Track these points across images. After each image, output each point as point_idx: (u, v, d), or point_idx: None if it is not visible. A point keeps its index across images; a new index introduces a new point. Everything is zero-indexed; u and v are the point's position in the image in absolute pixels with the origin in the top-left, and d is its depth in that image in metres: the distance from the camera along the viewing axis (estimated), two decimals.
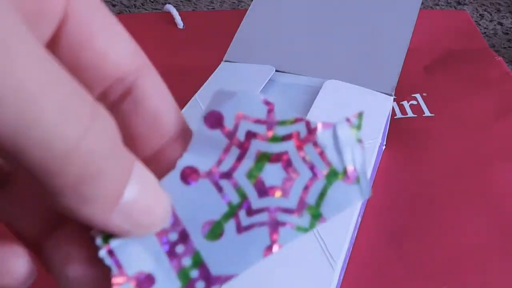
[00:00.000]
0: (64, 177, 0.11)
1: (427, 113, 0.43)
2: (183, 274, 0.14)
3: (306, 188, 0.14)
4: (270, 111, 0.14)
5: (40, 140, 0.10)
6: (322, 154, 0.14)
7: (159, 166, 0.14)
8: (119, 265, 0.13)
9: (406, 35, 0.37)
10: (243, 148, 0.14)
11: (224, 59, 0.39)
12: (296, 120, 0.14)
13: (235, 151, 0.14)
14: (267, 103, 0.14)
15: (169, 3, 0.61)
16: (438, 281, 0.31)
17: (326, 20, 0.40)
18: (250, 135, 0.14)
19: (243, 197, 0.14)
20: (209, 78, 0.37)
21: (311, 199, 0.14)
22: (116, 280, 0.13)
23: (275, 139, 0.14)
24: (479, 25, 0.60)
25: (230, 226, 0.14)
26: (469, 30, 0.54)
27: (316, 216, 0.14)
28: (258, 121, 0.14)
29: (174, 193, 0.14)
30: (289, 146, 0.14)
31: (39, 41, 0.10)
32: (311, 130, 0.14)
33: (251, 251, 0.14)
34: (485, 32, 0.58)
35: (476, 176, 0.37)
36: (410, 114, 0.43)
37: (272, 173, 0.14)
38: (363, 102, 0.34)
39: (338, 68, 0.37)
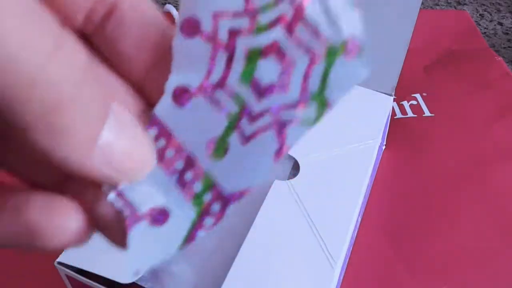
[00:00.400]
0: (30, 105, 0.10)
1: (427, 113, 0.43)
2: (196, 200, 0.13)
3: (305, 75, 0.12)
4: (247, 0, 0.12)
5: (2, 64, 0.10)
6: (316, 32, 0.12)
7: (151, 89, 0.14)
8: (130, 206, 0.13)
9: (406, 35, 0.37)
10: (230, 50, 0.12)
11: None
12: (278, 1, 0.12)
13: (222, 56, 0.12)
14: None
15: (169, 3, 0.61)
16: (438, 281, 0.31)
17: None
18: (233, 33, 0.12)
19: (241, 104, 0.12)
20: None
21: (313, 86, 0.12)
22: (130, 221, 0.13)
23: (260, 29, 0.12)
24: (479, 25, 0.60)
25: (233, 139, 0.13)
26: (469, 30, 0.54)
27: (322, 103, 0.12)
28: (237, 15, 0.12)
29: (171, 118, 0.13)
30: (278, 34, 0.12)
31: None
32: (298, 8, 0.12)
33: (260, 160, 0.13)
34: (485, 32, 0.58)
35: (476, 176, 0.37)
36: (410, 114, 0.43)
37: (266, 69, 0.12)
38: (363, 102, 0.34)
39: None
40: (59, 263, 0.24)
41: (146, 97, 0.14)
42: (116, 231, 0.13)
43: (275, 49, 0.12)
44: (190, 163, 0.13)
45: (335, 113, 0.37)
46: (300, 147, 0.31)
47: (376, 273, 0.31)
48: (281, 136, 0.12)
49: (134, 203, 0.13)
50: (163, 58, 0.13)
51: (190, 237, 0.13)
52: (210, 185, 0.13)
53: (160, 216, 0.13)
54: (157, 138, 0.13)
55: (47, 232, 0.12)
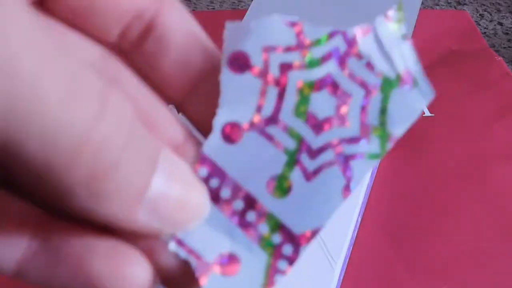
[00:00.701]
0: (75, 174, 0.09)
1: (427, 113, 0.43)
2: (265, 243, 0.12)
3: (363, 108, 0.12)
4: (299, 33, 0.12)
5: (40, 132, 0.08)
6: (369, 64, 0.12)
7: (193, 110, 0.13)
8: (195, 254, 0.12)
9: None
10: (281, 85, 0.12)
11: None
12: (331, 35, 0.12)
13: (273, 91, 0.12)
14: (292, 24, 0.12)
15: None
16: (438, 281, 0.31)
17: (326, 20, 0.40)
18: (285, 67, 0.12)
19: (299, 139, 0.12)
20: None
21: (373, 119, 0.12)
22: (199, 271, 0.12)
23: (313, 63, 0.12)
24: (479, 25, 0.60)
25: (296, 175, 0.12)
26: (469, 30, 0.54)
27: (385, 137, 0.12)
28: (288, 49, 0.12)
29: (222, 156, 0.12)
30: (330, 67, 0.12)
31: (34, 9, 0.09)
32: (350, 42, 0.12)
33: (329, 196, 0.12)
34: (485, 32, 0.58)
35: (476, 176, 0.37)
36: None
37: (321, 103, 0.12)
38: None
39: None
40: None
41: (186, 114, 0.13)
42: (185, 284, 0.12)
43: (329, 82, 0.12)
44: (250, 202, 0.12)
45: None
46: None
47: (376, 273, 0.31)
48: (347, 170, 0.12)
49: (198, 250, 0.12)
50: (205, 80, 0.13)
51: (268, 283, 0.12)
52: (278, 225, 0.12)
53: (231, 263, 0.12)
54: (209, 178, 0.12)
55: (112, 285, 0.11)
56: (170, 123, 0.13)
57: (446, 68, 0.49)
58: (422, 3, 0.41)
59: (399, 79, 0.12)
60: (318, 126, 0.12)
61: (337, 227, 0.26)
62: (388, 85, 0.12)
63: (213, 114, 0.12)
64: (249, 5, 0.42)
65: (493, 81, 0.46)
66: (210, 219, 0.12)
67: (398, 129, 0.12)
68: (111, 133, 0.09)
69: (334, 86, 0.12)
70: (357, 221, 0.30)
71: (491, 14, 0.62)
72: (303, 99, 0.12)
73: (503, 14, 0.61)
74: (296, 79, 0.12)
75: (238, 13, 0.45)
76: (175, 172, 0.11)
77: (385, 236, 0.33)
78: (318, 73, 0.12)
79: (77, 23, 0.11)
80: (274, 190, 0.12)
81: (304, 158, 0.12)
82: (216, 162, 0.12)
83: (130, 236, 0.12)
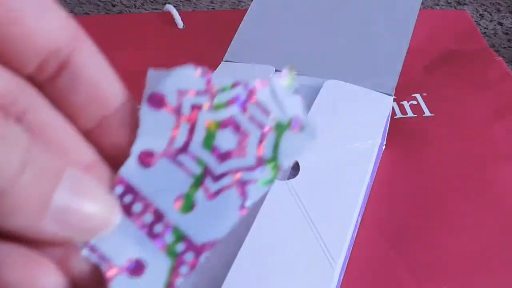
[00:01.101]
0: None
1: (427, 113, 0.43)
2: (170, 251, 0.14)
3: (260, 144, 0.14)
4: (208, 81, 0.15)
5: None
6: (265, 111, 0.15)
7: (104, 138, 0.15)
8: (105, 259, 0.14)
9: (406, 35, 0.37)
10: (192, 122, 0.14)
11: (224, 59, 0.39)
12: (234, 85, 0.15)
13: (185, 126, 0.14)
14: (204, 73, 0.15)
15: (169, 3, 0.61)
16: (438, 281, 0.31)
17: (326, 20, 0.40)
18: (195, 107, 0.14)
19: (204, 166, 0.14)
20: None
21: (267, 153, 0.14)
22: (108, 273, 0.13)
23: (219, 106, 0.14)
24: (479, 25, 0.60)
25: (200, 195, 0.14)
26: (469, 30, 0.54)
27: (276, 167, 0.14)
28: (199, 93, 0.14)
29: (136, 178, 0.14)
30: (234, 110, 0.14)
31: None
32: (250, 91, 0.15)
33: (227, 213, 0.14)
34: (485, 32, 0.58)
35: (476, 176, 0.37)
36: (410, 114, 0.43)
37: (225, 139, 0.14)
38: (363, 102, 0.34)
39: (338, 68, 0.37)
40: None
41: (96, 146, 0.15)
42: (94, 285, 0.13)
43: (232, 123, 0.14)
44: (159, 216, 0.14)
45: (335, 113, 0.38)
46: None
47: (376, 273, 0.31)
48: (243, 192, 0.14)
49: (109, 256, 0.14)
50: (113, 113, 0.14)
51: (169, 285, 0.14)
52: (182, 236, 0.14)
53: (137, 268, 0.14)
54: (123, 195, 0.14)
55: None
56: (80, 148, 0.14)
57: (446, 68, 0.49)
58: (422, 3, 0.41)
59: (289, 123, 0.15)
60: (221, 156, 0.14)
61: (337, 227, 0.26)
62: (280, 127, 0.14)
63: (120, 143, 0.15)
64: (249, 5, 0.42)
65: (493, 81, 0.46)
66: (122, 229, 0.14)
67: (286, 162, 0.14)
68: (3, 159, 0.11)
69: (236, 126, 0.14)
70: (357, 221, 0.30)
71: (491, 14, 0.62)
72: (210, 134, 0.14)
73: (503, 14, 0.61)
74: (205, 118, 0.14)
75: (238, 13, 0.45)
76: (81, 187, 0.13)
77: (385, 236, 0.33)
78: (223, 114, 0.14)
79: None
80: (181, 206, 0.14)
81: (208, 181, 0.14)
82: (130, 182, 0.14)
83: (42, 244, 0.13)
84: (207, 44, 0.53)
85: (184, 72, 0.15)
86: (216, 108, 0.14)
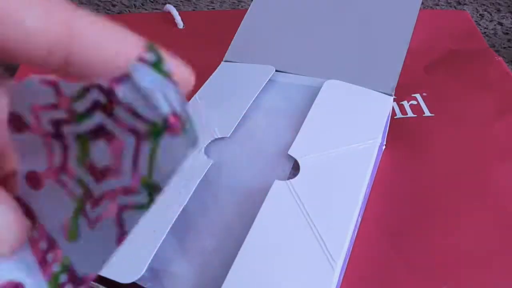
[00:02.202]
0: None
1: (427, 113, 0.43)
2: (53, 280, 0.13)
3: (135, 156, 0.12)
4: (58, 92, 0.12)
5: None
6: (134, 112, 0.11)
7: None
8: None
9: (406, 35, 0.37)
10: (60, 138, 0.12)
11: (224, 59, 0.39)
12: (86, 89, 0.12)
13: (55, 143, 0.12)
14: (48, 82, 0.12)
15: (169, 3, 0.61)
16: (438, 281, 0.31)
17: (326, 20, 0.40)
18: (56, 123, 0.12)
19: (84, 187, 0.12)
20: (209, 78, 0.37)
21: (143, 168, 0.12)
22: None
23: (81, 117, 0.12)
24: (479, 25, 0.60)
25: (82, 222, 0.13)
26: (469, 30, 0.54)
27: (151, 187, 0.12)
28: (53, 107, 0.12)
29: (32, 201, 0.13)
30: (98, 118, 0.12)
31: None
32: (108, 92, 0.11)
33: (106, 245, 0.13)
34: (485, 32, 0.58)
35: (476, 176, 0.37)
36: (410, 114, 0.43)
37: (99, 152, 0.12)
38: (363, 102, 0.34)
39: (338, 68, 0.37)
40: None
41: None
42: None
43: (101, 133, 0.12)
44: (51, 243, 0.13)
45: (335, 113, 0.37)
46: (300, 147, 0.31)
47: (376, 273, 0.31)
48: (119, 221, 0.12)
49: None
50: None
51: None
52: (67, 267, 0.13)
53: None
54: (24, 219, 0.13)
55: None
56: None
57: (446, 68, 0.49)
58: (422, 3, 0.41)
59: (166, 124, 0.11)
60: (98, 174, 0.12)
61: (337, 227, 0.27)
62: (156, 132, 0.11)
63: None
64: (249, 5, 0.42)
65: (493, 81, 0.46)
66: (21, 253, 0.13)
67: (163, 179, 0.11)
68: None
69: (108, 135, 0.12)
70: (357, 221, 0.30)
71: (491, 14, 0.62)
72: (83, 150, 0.12)
73: (503, 14, 0.61)
74: (72, 133, 0.12)
75: (238, 13, 0.45)
76: None
77: (385, 235, 0.33)
78: (88, 125, 0.12)
79: None
80: (68, 234, 0.13)
81: (88, 207, 0.13)
82: (29, 205, 0.13)
83: None
84: (207, 44, 0.53)
85: (30, 85, 0.12)
86: (78, 119, 0.12)
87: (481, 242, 0.33)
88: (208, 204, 0.28)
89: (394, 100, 0.40)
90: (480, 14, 0.62)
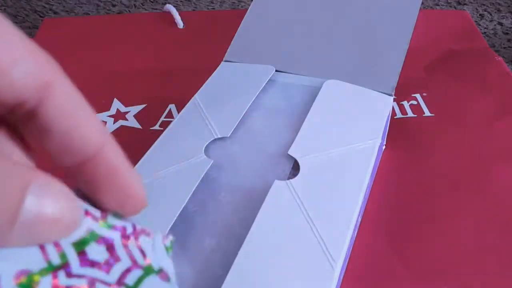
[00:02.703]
0: None
1: (427, 113, 0.43)
2: None
3: (126, 271, 0.15)
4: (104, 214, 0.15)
5: None
6: (142, 251, 0.16)
7: (93, 171, 0.15)
8: None
9: (406, 35, 0.37)
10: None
11: (224, 59, 0.39)
12: (126, 217, 0.16)
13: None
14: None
15: (169, 3, 0.61)
16: (438, 281, 0.31)
17: (326, 20, 0.40)
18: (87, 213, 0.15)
19: (65, 260, 0.14)
20: (209, 78, 0.37)
21: (130, 281, 0.15)
22: None
23: (106, 225, 0.15)
24: (479, 25, 0.60)
25: (46, 280, 0.13)
26: (469, 30, 0.54)
27: None
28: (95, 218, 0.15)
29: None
30: (116, 235, 0.15)
31: None
32: (135, 231, 0.16)
33: None
34: (485, 32, 0.58)
35: (476, 176, 0.37)
36: (410, 114, 0.43)
37: (96, 251, 0.15)
38: (363, 102, 0.34)
39: (338, 68, 0.37)
40: None
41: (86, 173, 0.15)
42: None
43: (109, 243, 0.15)
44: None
45: (335, 113, 0.37)
46: (300, 147, 0.31)
47: (376, 273, 0.31)
48: None
49: None
50: (84, 162, 0.14)
51: None
52: None
53: None
54: None
55: None
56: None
57: (446, 68, 0.49)
58: (422, 3, 0.41)
59: (159, 272, 0.16)
60: (85, 261, 0.14)
61: (337, 227, 0.26)
62: (150, 270, 0.16)
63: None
64: (249, 5, 0.42)
65: (493, 81, 0.47)
66: None
67: None
68: None
69: (111, 248, 0.15)
70: (357, 221, 0.30)
71: (491, 14, 0.62)
72: (85, 240, 0.14)
73: (503, 14, 0.61)
74: (88, 225, 0.15)
75: (238, 13, 0.45)
76: (46, 193, 0.13)
77: (385, 236, 0.33)
78: (105, 232, 0.15)
79: None
80: (19, 282, 0.13)
81: (61, 274, 0.14)
82: None
83: None
84: (207, 44, 0.53)
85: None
86: (102, 224, 0.15)
87: (481, 242, 0.33)
88: (208, 204, 0.28)
89: (394, 100, 0.40)
90: (480, 14, 0.62)
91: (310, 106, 0.33)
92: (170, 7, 0.58)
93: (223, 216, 0.28)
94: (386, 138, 0.39)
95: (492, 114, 0.43)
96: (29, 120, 0.14)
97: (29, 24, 0.61)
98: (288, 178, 0.29)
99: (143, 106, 0.45)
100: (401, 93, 0.45)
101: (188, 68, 0.48)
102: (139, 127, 0.43)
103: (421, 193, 0.36)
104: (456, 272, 0.31)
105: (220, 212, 0.28)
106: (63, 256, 0.14)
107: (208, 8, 0.65)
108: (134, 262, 0.15)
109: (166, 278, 0.16)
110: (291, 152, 0.30)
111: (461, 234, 0.33)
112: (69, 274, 0.14)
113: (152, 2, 0.66)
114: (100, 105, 0.45)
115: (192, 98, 0.35)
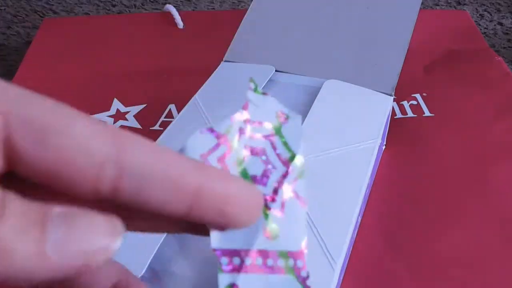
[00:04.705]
0: None
1: (427, 113, 0.43)
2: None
3: (281, 178, 0.17)
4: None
5: None
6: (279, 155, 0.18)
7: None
8: None
9: (406, 35, 0.37)
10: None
11: (224, 59, 0.39)
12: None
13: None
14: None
15: (169, 3, 0.61)
16: (438, 281, 0.31)
17: (326, 20, 0.40)
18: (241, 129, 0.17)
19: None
20: (209, 78, 0.37)
21: (285, 154, 0.17)
22: None
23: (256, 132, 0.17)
24: (479, 25, 0.60)
25: (273, 217, 0.16)
26: (469, 30, 0.54)
27: (293, 157, 0.17)
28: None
29: None
30: (266, 143, 0.17)
31: None
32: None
33: (297, 218, 0.17)
34: (485, 32, 0.58)
35: (476, 176, 0.37)
36: (410, 114, 0.43)
37: (255, 164, 0.17)
38: (363, 102, 0.34)
39: (338, 68, 0.37)
40: None
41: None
42: None
43: (262, 153, 0.17)
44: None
45: (335, 113, 0.37)
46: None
47: (376, 273, 0.31)
48: (295, 194, 0.17)
49: None
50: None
51: None
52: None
53: None
54: None
55: None
56: None
57: (446, 68, 0.49)
58: (422, 3, 0.41)
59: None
60: (260, 180, 0.16)
61: (337, 227, 0.26)
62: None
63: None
64: (249, 5, 0.42)
65: (493, 81, 0.46)
66: None
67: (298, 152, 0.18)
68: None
69: (266, 158, 0.17)
70: (357, 221, 0.30)
71: (491, 14, 0.62)
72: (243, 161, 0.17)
73: (503, 14, 0.61)
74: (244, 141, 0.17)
75: (238, 13, 0.45)
76: (72, 222, 0.13)
77: (385, 236, 0.33)
78: (257, 143, 0.17)
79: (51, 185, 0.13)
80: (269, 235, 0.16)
81: (270, 204, 0.16)
82: None
83: None
84: (207, 44, 0.53)
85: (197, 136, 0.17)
86: (254, 132, 0.17)
87: (481, 242, 0.33)
88: None
89: (394, 100, 0.40)
90: (480, 14, 0.62)
91: (310, 106, 0.33)
92: (170, 7, 0.58)
93: None
94: (386, 138, 0.39)
95: (492, 114, 0.43)
96: (119, 183, 0.13)
97: (29, 24, 0.61)
98: None
99: (143, 106, 0.45)
100: (401, 93, 0.45)
101: (188, 68, 0.48)
102: (139, 127, 0.43)
103: (421, 193, 0.36)
104: (456, 272, 0.31)
105: None
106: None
107: (208, 8, 0.65)
108: (286, 166, 0.17)
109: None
110: None
111: (461, 234, 0.33)
112: (271, 198, 0.16)
113: (152, 2, 0.66)
114: (100, 105, 0.45)
115: (192, 98, 0.35)
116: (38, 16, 0.63)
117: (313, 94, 0.35)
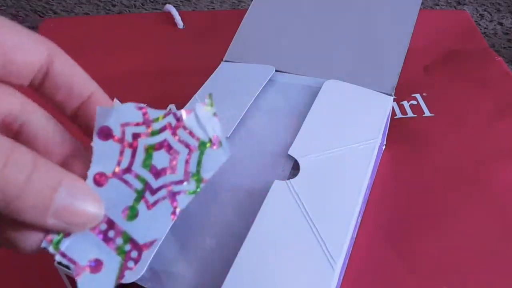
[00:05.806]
0: None
1: (427, 113, 0.43)
2: (120, 251, 0.18)
3: (187, 162, 0.19)
4: (144, 114, 0.19)
5: None
6: (191, 133, 0.19)
7: (85, 119, 0.19)
8: (73, 262, 0.18)
9: (406, 35, 0.37)
10: (133, 147, 0.19)
11: (224, 59, 0.39)
12: (166, 115, 0.19)
13: (128, 151, 0.19)
14: (140, 108, 0.19)
15: (169, 3, 0.61)
16: (438, 281, 0.31)
17: (326, 20, 0.40)
18: (136, 135, 0.19)
19: (144, 182, 0.19)
20: (209, 78, 0.37)
21: (192, 168, 0.19)
22: (75, 273, 0.18)
23: (154, 133, 0.19)
24: (479, 25, 0.60)
25: (141, 206, 0.19)
26: (469, 30, 0.54)
27: (199, 180, 0.19)
28: (138, 124, 0.19)
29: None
30: (166, 135, 0.19)
31: None
32: (178, 119, 0.19)
33: (162, 219, 0.19)
34: (485, 32, 0.58)
35: (476, 176, 0.37)
36: (410, 114, 0.43)
37: (160, 158, 0.19)
38: (363, 102, 0.34)
39: (338, 68, 0.37)
40: (59, 263, 0.24)
41: (82, 125, 0.20)
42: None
43: (165, 145, 0.19)
44: (111, 224, 0.18)
45: (335, 113, 0.37)
46: (300, 147, 0.31)
47: (376, 273, 0.31)
48: (174, 202, 0.19)
49: (75, 258, 0.18)
50: (70, 156, 0.19)
51: (120, 276, 0.18)
52: (129, 239, 0.19)
53: (96, 266, 0.18)
54: None
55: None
56: (65, 140, 0.19)
57: (446, 68, 0.49)
58: (422, 3, 0.41)
59: (210, 141, 0.19)
60: (157, 173, 0.19)
61: (337, 227, 0.27)
62: (203, 145, 0.19)
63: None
64: (249, 5, 0.42)
65: (493, 81, 0.47)
66: (85, 237, 0.18)
67: (207, 174, 0.19)
68: (10, 177, 0.15)
69: (169, 147, 0.19)
70: (357, 221, 0.30)
71: (491, 14, 0.62)
72: (148, 156, 0.19)
73: (503, 14, 0.61)
74: (143, 143, 0.19)
75: (238, 13, 0.45)
76: (74, 190, 0.17)
77: (385, 236, 0.33)
78: (157, 139, 0.19)
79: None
80: (127, 216, 0.18)
81: (147, 194, 0.19)
82: None
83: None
84: (207, 44, 0.53)
85: (125, 107, 0.19)
86: (152, 134, 0.19)
87: (481, 242, 0.33)
88: (208, 204, 0.28)
89: (394, 100, 0.40)
90: (480, 14, 0.62)
91: (310, 106, 0.33)
92: (170, 7, 0.58)
93: (223, 216, 0.28)
94: (386, 138, 0.39)
95: (492, 114, 0.43)
96: (45, 80, 0.19)
97: (29, 24, 0.61)
98: (288, 178, 0.29)
99: None
100: (401, 93, 0.45)
101: (188, 68, 0.48)
102: None
103: (421, 193, 0.36)
104: (456, 272, 0.31)
105: (220, 212, 0.28)
106: (142, 179, 0.19)
107: (208, 8, 0.65)
108: (189, 148, 0.19)
109: (218, 143, 0.19)
110: (291, 152, 0.30)
111: (461, 234, 0.33)
112: (152, 191, 0.19)
113: (152, 2, 0.66)
114: None
115: (192, 98, 0.35)
116: (38, 16, 0.63)
117: (313, 94, 0.35)
